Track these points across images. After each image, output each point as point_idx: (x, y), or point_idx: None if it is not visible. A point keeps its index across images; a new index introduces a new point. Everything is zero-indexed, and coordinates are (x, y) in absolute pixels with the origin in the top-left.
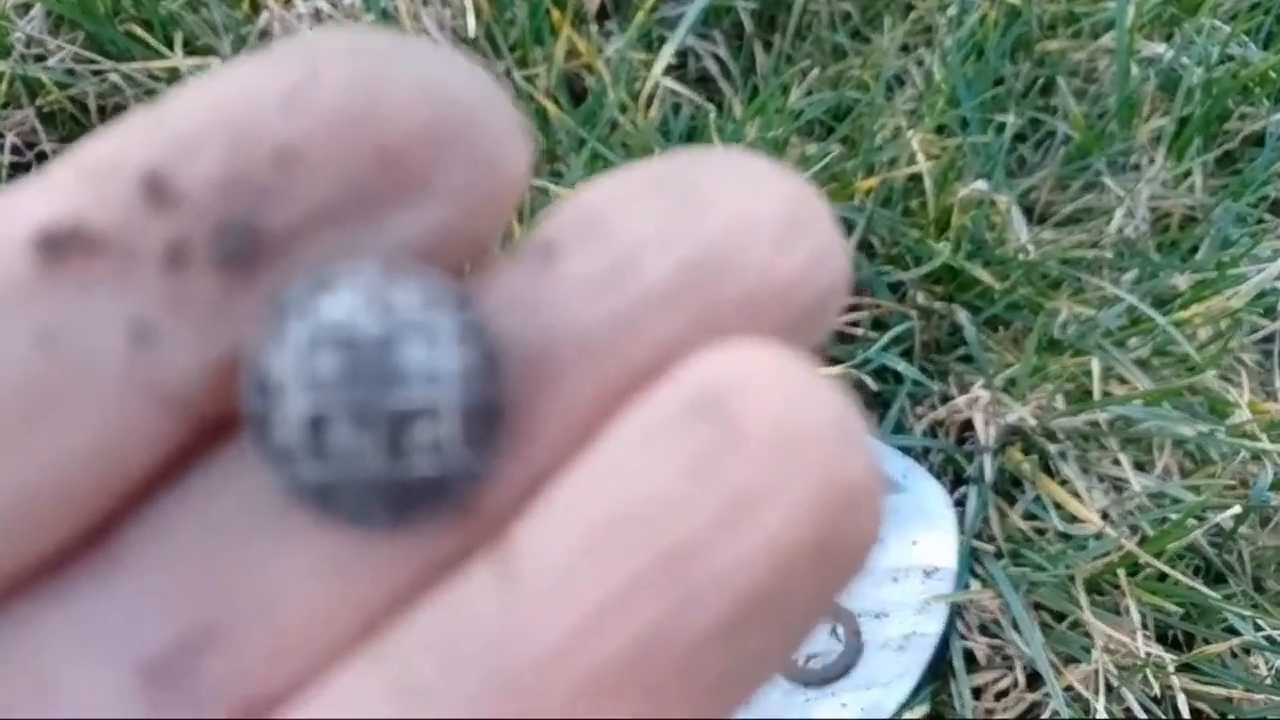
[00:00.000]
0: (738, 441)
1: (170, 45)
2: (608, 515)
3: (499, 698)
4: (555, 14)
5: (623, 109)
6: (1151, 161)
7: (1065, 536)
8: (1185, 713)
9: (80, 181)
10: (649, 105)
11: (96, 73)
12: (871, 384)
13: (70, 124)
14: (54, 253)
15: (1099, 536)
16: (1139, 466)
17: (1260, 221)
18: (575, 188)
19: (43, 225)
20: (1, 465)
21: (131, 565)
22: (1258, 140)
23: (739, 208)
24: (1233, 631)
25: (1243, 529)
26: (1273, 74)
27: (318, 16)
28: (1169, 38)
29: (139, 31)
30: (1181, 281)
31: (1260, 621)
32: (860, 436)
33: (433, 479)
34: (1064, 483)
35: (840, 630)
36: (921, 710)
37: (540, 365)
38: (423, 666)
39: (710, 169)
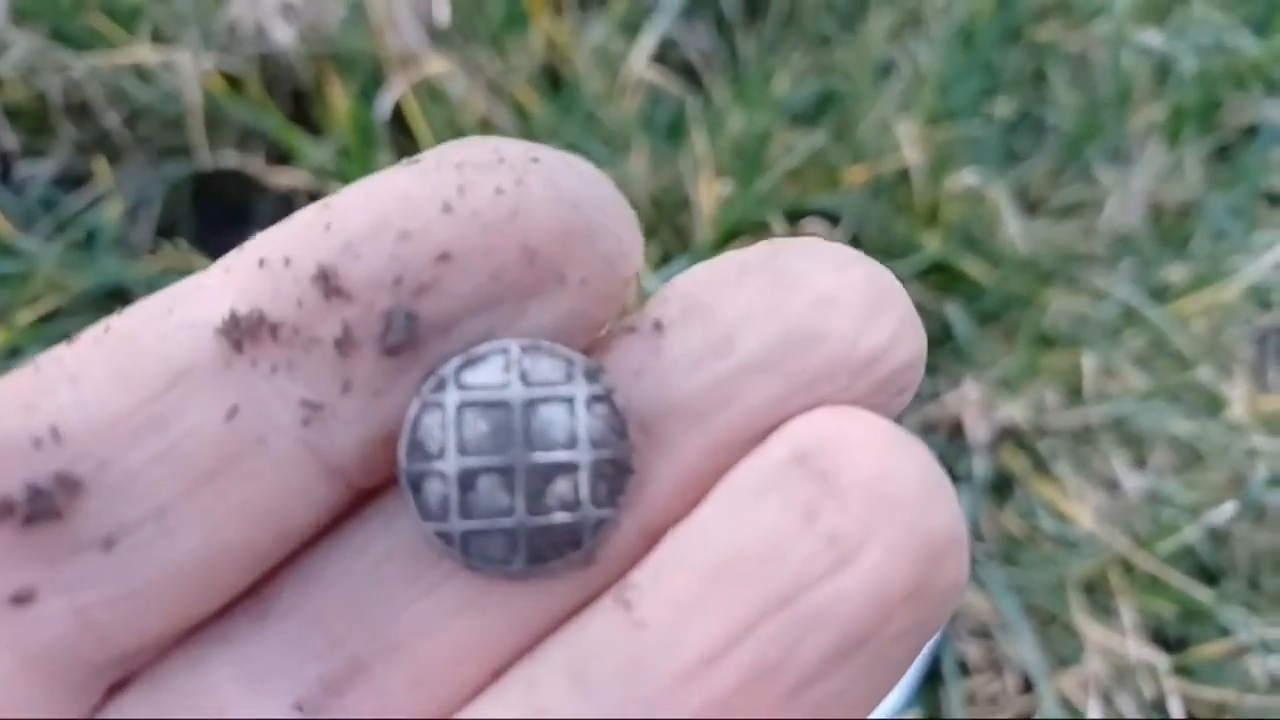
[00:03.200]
0: (837, 494)
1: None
2: (721, 559)
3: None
4: (532, 2)
5: (601, 100)
6: (1144, 152)
7: (1058, 537)
8: (1180, 716)
9: (258, 275)
10: (630, 96)
11: (60, 69)
12: None
13: (33, 120)
14: (238, 339)
15: (1091, 537)
16: (1136, 464)
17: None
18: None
19: (227, 314)
20: (192, 519)
21: (287, 610)
22: (1252, 130)
23: (825, 288)
24: (1229, 633)
25: (1241, 528)
26: (1266, 63)
27: (288, 9)
28: (1161, 23)
29: (103, 24)
30: (1176, 274)
31: (1256, 622)
32: (947, 489)
33: (567, 528)
34: (1057, 482)
35: None
36: (913, 715)
37: (654, 428)
38: (556, 691)
39: (796, 254)
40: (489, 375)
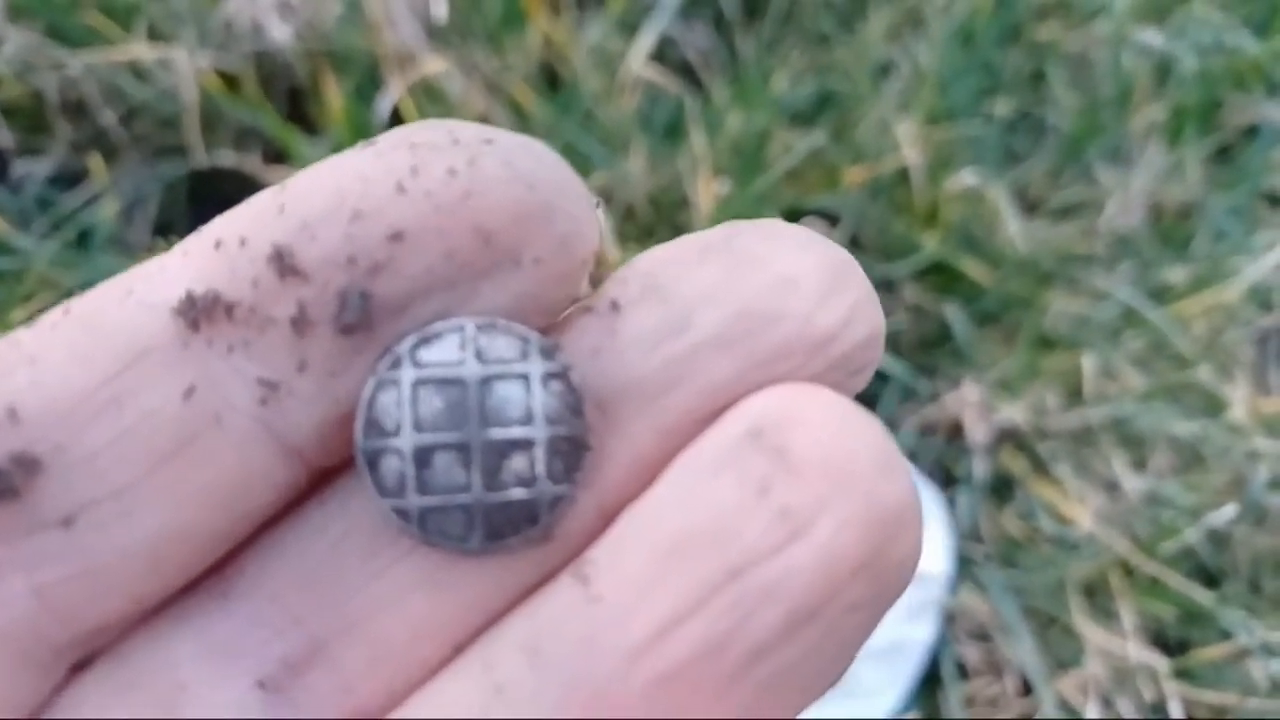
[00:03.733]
0: (790, 469)
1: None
2: (675, 535)
3: (583, 694)
4: (530, 1)
5: (600, 99)
6: (1145, 152)
7: (1058, 539)
8: (1180, 718)
9: (215, 256)
10: (629, 95)
11: (56, 66)
12: None
13: (29, 118)
14: (194, 318)
15: (1091, 539)
16: (1137, 465)
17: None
18: None
19: (183, 295)
20: (148, 501)
21: (247, 589)
22: (1253, 131)
23: (783, 268)
24: (1229, 635)
25: (1242, 530)
26: (1266, 63)
27: (285, 7)
28: (1161, 23)
29: (99, 21)
30: (1176, 275)
31: (1258, 625)
32: (902, 465)
33: (524, 504)
34: (1057, 484)
35: None
36: (912, 717)
37: (611, 406)
38: (513, 667)
39: (755, 235)
40: (444, 353)
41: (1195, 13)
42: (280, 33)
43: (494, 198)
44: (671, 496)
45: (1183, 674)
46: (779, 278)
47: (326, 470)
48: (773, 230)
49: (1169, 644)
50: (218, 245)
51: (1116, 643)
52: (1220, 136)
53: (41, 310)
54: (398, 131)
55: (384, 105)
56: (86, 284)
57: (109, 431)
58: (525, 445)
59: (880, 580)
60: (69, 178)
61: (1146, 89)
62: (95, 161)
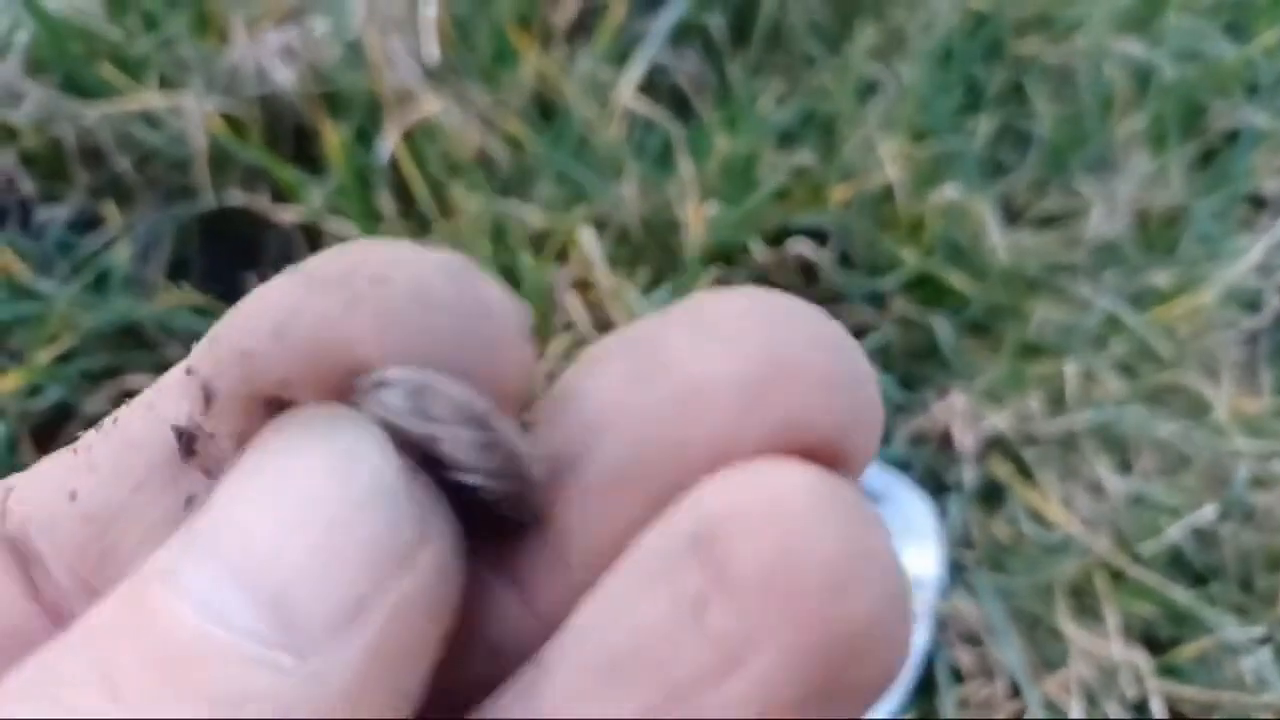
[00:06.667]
0: (725, 586)
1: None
2: (615, 650)
3: None
4: (521, 37)
5: (593, 128)
6: (1129, 160)
7: (1045, 543)
8: (1163, 715)
9: (186, 382)
10: (619, 123)
11: (73, 117)
12: None
13: (48, 166)
14: (184, 446)
15: (1077, 542)
16: (1122, 468)
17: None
18: (545, 206)
19: (177, 424)
20: None
21: None
22: (1236, 135)
23: (699, 370)
24: (1214, 633)
25: (1228, 529)
26: (1242, 68)
27: (288, 51)
28: (1143, 32)
29: (112, 73)
30: (1161, 280)
31: (1231, 621)
32: (873, 569)
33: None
34: (1043, 489)
35: None
36: None
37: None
38: None
39: (674, 329)
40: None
41: (1173, 22)
42: (283, 76)
43: (439, 319)
44: (608, 611)
45: (1167, 671)
46: (695, 379)
47: None
48: (695, 320)
49: (1160, 643)
50: (188, 372)
51: (1100, 643)
52: (1203, 141)
53: (62, 352)
54: (290, 272)
55: (385, 151)
56: (105, 324)
57: (138, 534)
58: None
59: (838, 704)
60: (87, 222)
61: (1128, 98)
62: (110, 207)
